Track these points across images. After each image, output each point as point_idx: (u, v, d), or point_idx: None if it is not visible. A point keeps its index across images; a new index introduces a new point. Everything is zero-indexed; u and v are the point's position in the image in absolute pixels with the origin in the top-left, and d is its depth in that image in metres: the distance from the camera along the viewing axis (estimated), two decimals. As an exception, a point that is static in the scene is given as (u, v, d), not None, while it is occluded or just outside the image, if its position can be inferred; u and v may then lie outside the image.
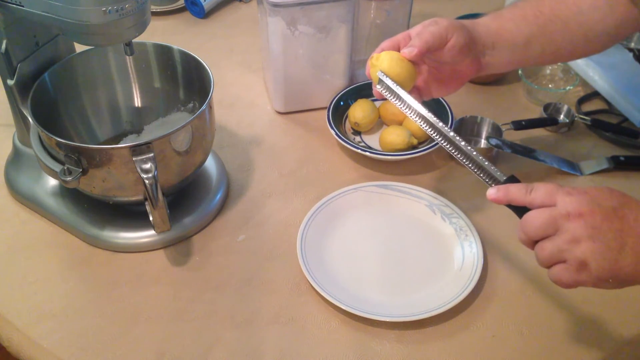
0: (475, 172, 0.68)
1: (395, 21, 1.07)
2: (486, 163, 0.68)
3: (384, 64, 0.74)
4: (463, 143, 0.69)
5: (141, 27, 0.75)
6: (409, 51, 0.73)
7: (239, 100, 1.12)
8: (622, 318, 0.77)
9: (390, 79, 0.74)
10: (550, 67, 1.13)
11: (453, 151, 0.70)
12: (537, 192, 0.62)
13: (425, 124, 0.72)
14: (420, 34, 0.74)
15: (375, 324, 0.75)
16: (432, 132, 0.72)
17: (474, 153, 0.68)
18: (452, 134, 0.70)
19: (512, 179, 0.66)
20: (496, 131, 0.99)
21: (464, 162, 0.69)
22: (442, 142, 0.71)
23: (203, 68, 0.86)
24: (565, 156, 0.99)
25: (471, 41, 0.74)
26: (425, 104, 0.74)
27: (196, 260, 0.84)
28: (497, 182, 0.67)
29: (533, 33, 0.76)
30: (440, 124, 0.71)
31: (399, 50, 0.75)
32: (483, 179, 0.68)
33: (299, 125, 1.06)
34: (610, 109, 1.08)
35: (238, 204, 0.92)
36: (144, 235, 0.84)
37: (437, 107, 1.01)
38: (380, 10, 1.05)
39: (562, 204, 0.59)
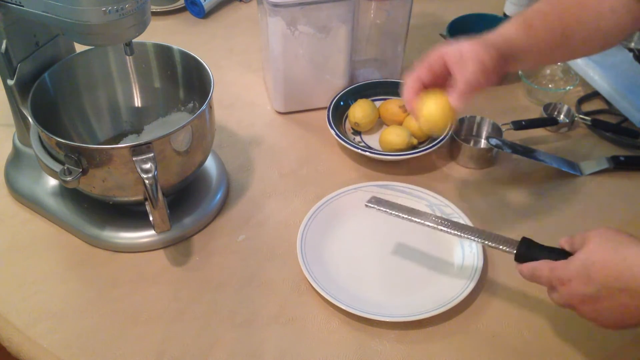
0: (492, 246, 0.73)
1: (395, 21, 1.07)
2: (495, 238, 0.73)
3: (431, 109, 0.72)
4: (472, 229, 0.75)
5: (141, 27, 0.75)
6: (458, 103, 0.71)
7: (239, 100, 1.12)
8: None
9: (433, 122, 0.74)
10: (550, 67, 1.13)
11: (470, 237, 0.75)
12: (541, 280, 0.67)
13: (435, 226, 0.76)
14: (469, 81, 0.70)
15: (375, 324, 0.75)
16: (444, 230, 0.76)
17: (484, 234, 0.74)
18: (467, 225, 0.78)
19: (525, 241, 0.70)
20: (496, 131, 0.99)
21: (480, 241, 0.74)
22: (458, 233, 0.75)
23: (203, 68, 0.86)
24: (565, 156, 0.99)
25: (503, 62, 0.73)
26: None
27: (196, 260, 0.84)
28: (512, 245, 0.71)
29: (557, 45, 0.76)
30: (450, 223, 0.76)
31: (433, 77, 0.73)
32: (503, 249, 0.72)
33: (299, 125, 1.06)
34: (610, 109, 1.08)
35: (238, 204, 0.92)
36: (144, 235, 0.84)
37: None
38: (380, 10, 1.05)
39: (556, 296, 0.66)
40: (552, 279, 0.64)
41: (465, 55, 0.70)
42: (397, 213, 0.78)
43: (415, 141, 0.97)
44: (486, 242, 0.73)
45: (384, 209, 0.79)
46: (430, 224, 0.76)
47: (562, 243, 0.67)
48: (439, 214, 0.88)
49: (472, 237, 0.74)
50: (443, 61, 0.72)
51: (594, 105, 1.11)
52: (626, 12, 0.75)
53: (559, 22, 0.75)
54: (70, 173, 0.75)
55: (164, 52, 0.91)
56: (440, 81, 0.73)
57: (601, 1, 0.75)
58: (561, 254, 0.66)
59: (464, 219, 0.86)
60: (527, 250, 0.69)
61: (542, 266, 0.66)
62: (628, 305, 0.59)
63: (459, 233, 0.75)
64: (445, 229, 0.75)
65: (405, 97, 0.74)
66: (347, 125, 1.04)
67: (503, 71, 0.74)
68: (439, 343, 0.74)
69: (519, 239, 0.70)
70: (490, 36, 0.74)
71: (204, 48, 1.23)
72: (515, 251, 0.70)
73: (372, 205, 0.80)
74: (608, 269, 0.60)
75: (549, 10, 0.76)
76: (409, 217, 0.78)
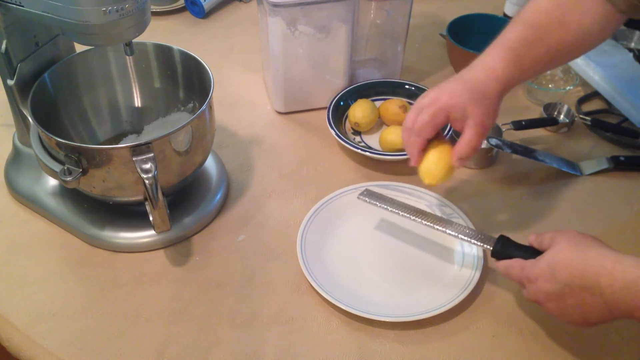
0: (472, 242, 0.77)
1: (395, 21, 1.07)
2: (475, 234, 0.77)
3: (433, 165, 0.76)
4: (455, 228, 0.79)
5: (141, 27, 0.75)
6: (461, 164, 0.75)
7: (239, 100, 1.12)
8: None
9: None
10: (550, 67, 1.13)
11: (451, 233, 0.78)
12: (513, 277, 0.71)
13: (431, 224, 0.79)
14: (471, 145, 0.74)
15: (375, 324, 0.75)
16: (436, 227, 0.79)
17: (465, 230, 0.78)
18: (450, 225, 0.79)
19: (502, 239, 0.75)
20: (496, 131, 0.99)
21: (458, 237, 0.78)
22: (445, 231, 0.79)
23: (203, 68, 0.86)
24: (565, 156, 0.99)
25: (498, 104, 0.76)
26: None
27: (196, 260, 0.84)
28: (489, 242, 0.75)
29: (542, 67, 0.79)
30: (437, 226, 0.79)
31: (436, 130, 0.76)
32: (480, 246, 0.76)
33: (299, 125, 1.06)
34: (610, 109, 1.08)
35: (238, 204, 0.92)
36: (144, 235, 0.84)
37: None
38: (380, 10, 1.05)
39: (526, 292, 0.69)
40: (522, 277, 0.68)
41: (468, 114, 0.73)
42: (385, 206, 0.82)
43: (415, 141, 0.97)
44: (465, 238, 0.77)
45: (373, 202, 0.83)
46: (417, 219, 0.80)
47: (531, 240, 0.71)
48: (438, 214, 0.88)
49: (453, 233, 0.77)
50: (446, 114, 0.74)
51: (594, 105, 1.11)
52: (606, 22, 0.75)
53: (543, 48, 0.75)
54: (70, 173, 0.75)
55: (164, 52, 0.91)
56: (439, 130, 0.77)
57: (582, 20, 0.74)
58: (533, 253, 0.69)
59: (463, 219, 0.86)
60: (503, 248, 0.73)
61: (514, 265, 0.70)
62: (589, 303, 0.62)
63: (442, 228, 0.78)
64: (428, 223, 0.79)
65: (410, 153, 0.78)
66: (347, 125, 1.04)
67: None
68: (438, 343, 0.74)
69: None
70: (486, 79, 0.74)
71: (204, 48, 1.23)
72: (491, 248, 0.74)
73: (364, 198, 0.84)
74: (571, 268, 0.63)
75: (533, 38, 0.75)
76: (396, 211, 0.81)
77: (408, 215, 0.80)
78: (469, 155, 0.74)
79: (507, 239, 0.74)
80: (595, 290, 0.61)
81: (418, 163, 0.77)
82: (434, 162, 0.76)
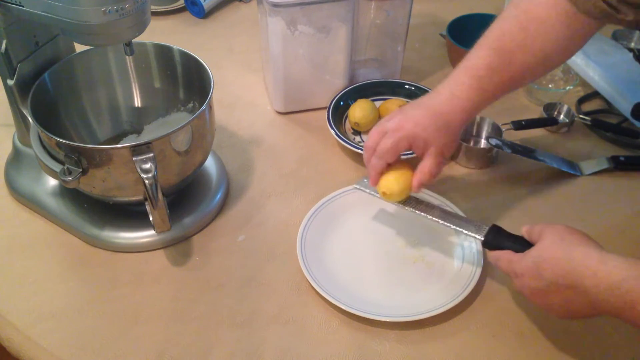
0: (464, 232, 0.77)
1: (395, 21, 1.07)
2: (467, 224, 0.77)
3: (391, 185, 0.78)
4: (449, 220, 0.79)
5: (141, 27, 0.75)
6: (419, 189, 0.77)
7: (239, 100, 1.12)
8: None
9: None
10: (550, 67, 1.13)
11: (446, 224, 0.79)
12: (502, 269, 0.71)
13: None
14: (432, 173, 0.76)
15: (375, 324, 0.75)
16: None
17: (458, 220, 0.78)
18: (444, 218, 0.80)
19: (494, 229, 0.75)
20: (496, 131, 0.99)
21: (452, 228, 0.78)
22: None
23: (203, 68, 0.86)
24: (565, 156, 0.99)
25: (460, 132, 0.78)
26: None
27: (196, 260, 0.84)
28: (482, 231, 0.75)
29: (506, 92, 0.79)
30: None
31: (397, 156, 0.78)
32: (471, 235, 0.76)
33: (299, 125, 1.06)
34: (610, 109, 1.08)
35: (238, 204, 0.92)
36: (144, 235, 0.84)
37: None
38: (380, 10, 1.05)
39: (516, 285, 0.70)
40: (509, 271, 0.70)
41: (430, 143, 0.75)
42: (378, 195, 0.82)
43: (415, 141, 0.97)
44: (458, 228, 0.77)
45: (367, 191, 0.83)
46: (409, 208, 0.80)
47: (523, 231, 0.72)
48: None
49: (446, 223, 0.78)
50: (409, 142, 0.75)
51: (594, 105, 1.11)
52: (569, 41, 0.75)
53: (508, 73, 0.75)
54: (70, 173, 0.75)
55: (164, 52, 0.91)
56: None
57: (545, 42, 0.74)
58: (524, 244, 0.70)
59: (464, 219, 0.86)
60: (494, 238, 0.74)
61: (503, 257, 0.71)
62: (574, 300, 0.63)
63: (434, 218, 0.78)
64: (421, 213, 0.79)
65: (370, 174, 0.79)
66: (347, 125, 1.04)
67: None
68: (439, 343, 0.74)
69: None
70: (452, 110, 0.75)
71: (204, 48, 1.23)
72: (482, 238, 0.74)
73: (360, 188, 0.84)
74: (556, 267, 0.64)
75: (498, 64, 0.74)
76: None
77: (402, 205, 0.81)
78: (429, 182, 0.77)
79: (499, 229, 0.75)
80: (579, 289, 0.61)
81: (376, 184, 0.79)
82: (392, 181, 0.78)
